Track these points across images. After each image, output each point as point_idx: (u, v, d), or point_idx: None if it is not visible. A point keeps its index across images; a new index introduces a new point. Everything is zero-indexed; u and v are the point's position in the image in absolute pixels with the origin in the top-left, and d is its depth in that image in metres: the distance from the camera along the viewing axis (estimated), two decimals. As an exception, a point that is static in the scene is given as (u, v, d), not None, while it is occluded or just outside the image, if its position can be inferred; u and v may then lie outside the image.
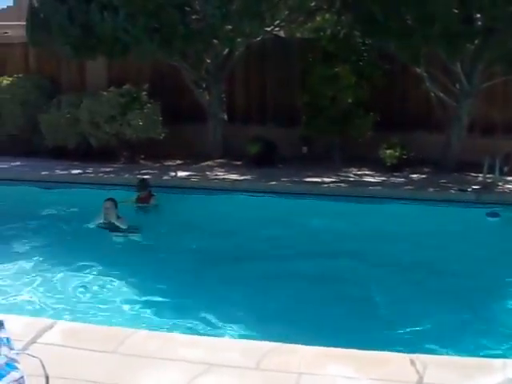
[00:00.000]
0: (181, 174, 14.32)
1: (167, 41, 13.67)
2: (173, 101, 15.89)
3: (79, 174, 14.45)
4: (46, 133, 16.06)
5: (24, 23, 15.99)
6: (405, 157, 14.04)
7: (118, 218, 10.76)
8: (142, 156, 15.75)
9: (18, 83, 16.87)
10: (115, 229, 10.67)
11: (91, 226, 10.72)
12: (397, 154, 13.97)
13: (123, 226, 10.71)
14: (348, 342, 5.34)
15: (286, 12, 14.70)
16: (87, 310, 7.39)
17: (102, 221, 10.70)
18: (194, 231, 10.82)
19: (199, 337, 5.98)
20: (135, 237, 10.65)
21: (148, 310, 7.47)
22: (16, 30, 17.60)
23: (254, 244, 10.03)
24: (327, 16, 15.32)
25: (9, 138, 16.90)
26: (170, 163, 15.49)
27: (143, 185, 12.36)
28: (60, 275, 8.54)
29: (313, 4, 14.74)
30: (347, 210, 11.89)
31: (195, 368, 4.73)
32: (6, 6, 22.54)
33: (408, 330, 6.89)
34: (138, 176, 13.62)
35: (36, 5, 15.36)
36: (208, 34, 13.70)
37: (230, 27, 13.63)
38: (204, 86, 15.88)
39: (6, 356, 4.09)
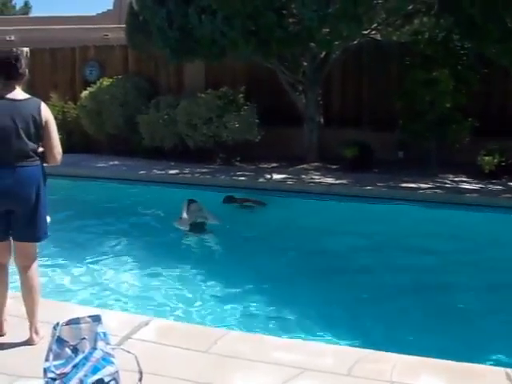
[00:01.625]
0: (276, 176, 14.35)
1: (264, 43, 13.74)
2: (269, 103, 15.97)
3: (176, 174, 14.70)
4: (144, 133, 16.42)
5: (124, 26, 16.40)
6: (503, 164, 13.67)
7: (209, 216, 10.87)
8: (238, 158, 15.87)
9: (117, 84, 17.28)
10: (204, 229, 10.78)
11: (183, 227, 10.81)
12: (495, 160, 13.64)
13: (216, 222, 10.79)
14: (442, 352, 5.25)
15: (384, 15, 14.57)
16: (182, 309, 7.46)
17: (190, 221, 10.77)
18: (289, 233, 10.84)
19: (291, 340, 5.97)
20: (224, 235, 10.72)
21: (240, 311, 7.50)
22: (116, 32, 18.07)
23: (349, 250, 9.96)
24: (425, 19, 15.14)
25: (107, 138, 17.34)
26: (265, 165, 15.56)
27: (227, 201, 12.42)
28: (156, 274, 8.66)
29: (411, 7, 14.57)
30: (444, 217, 11.68)
31: (287, 371, 4.73)
32: (106, 10, 23.19)
33: (505, 342, 6.70)
34: (234, 177, 14.00)
35: (136, 8, 15.71)
36: (305, 36, 13.68)
37: (327, 30, 13.59)
38: (301, 88, 15.93)
39: (103, 350, 4.18)
